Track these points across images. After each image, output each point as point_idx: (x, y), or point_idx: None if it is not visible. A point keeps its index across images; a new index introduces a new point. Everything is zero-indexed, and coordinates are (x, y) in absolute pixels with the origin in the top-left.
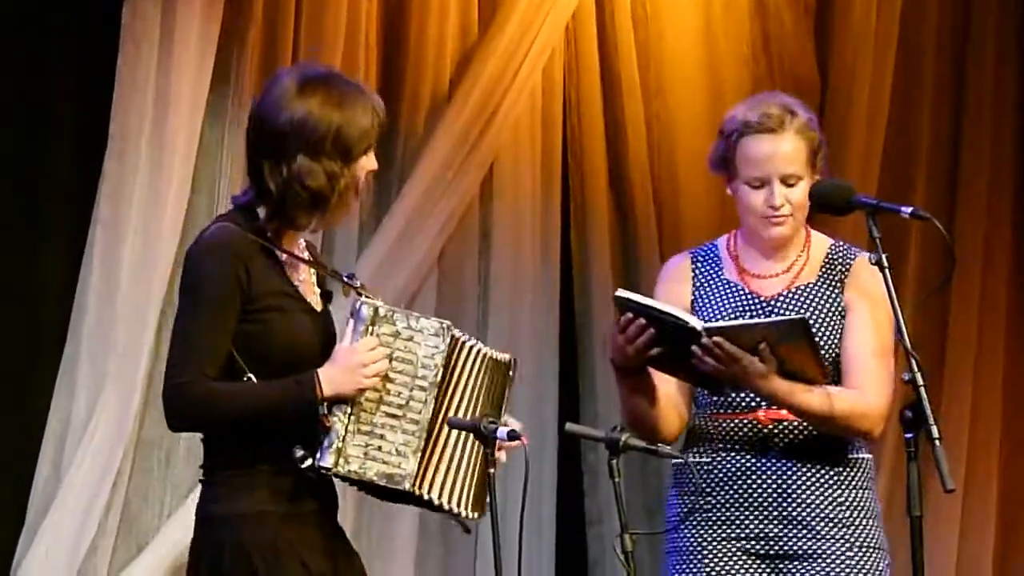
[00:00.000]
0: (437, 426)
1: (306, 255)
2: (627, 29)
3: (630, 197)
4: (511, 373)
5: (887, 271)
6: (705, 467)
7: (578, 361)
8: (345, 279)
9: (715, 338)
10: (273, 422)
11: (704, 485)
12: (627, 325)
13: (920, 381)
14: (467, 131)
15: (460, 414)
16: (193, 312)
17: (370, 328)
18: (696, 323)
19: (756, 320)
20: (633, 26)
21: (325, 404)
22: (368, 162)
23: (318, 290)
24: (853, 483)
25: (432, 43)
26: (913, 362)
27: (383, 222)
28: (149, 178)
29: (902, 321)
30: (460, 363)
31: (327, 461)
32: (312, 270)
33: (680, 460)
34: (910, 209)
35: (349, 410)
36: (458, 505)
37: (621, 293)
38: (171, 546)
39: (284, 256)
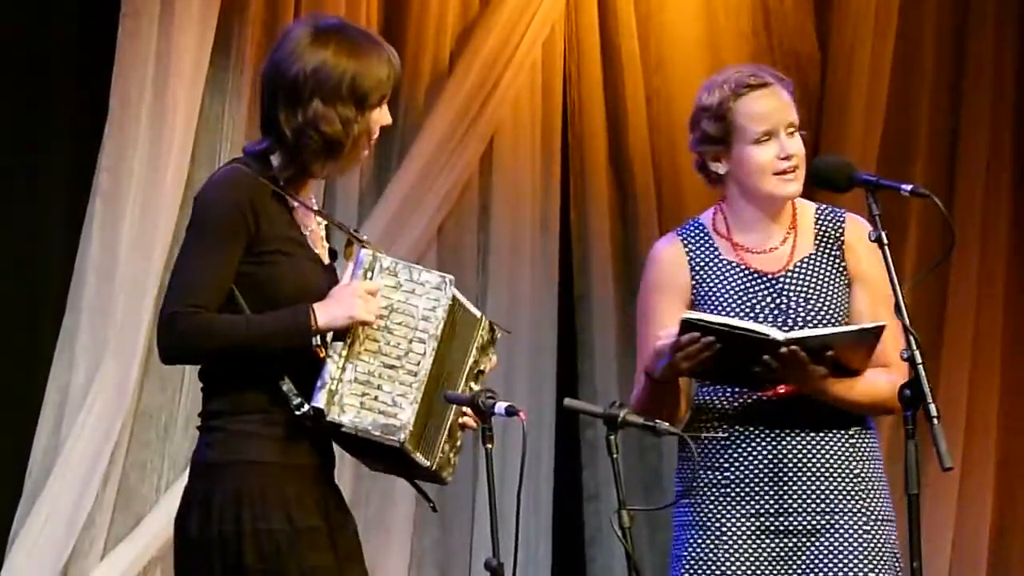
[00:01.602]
0: (433, 381)
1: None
2: (627, 4)
3: (630, 172)
4: (482, 333)
5: (886, 248)
6: (721, 443)
7: (577, 336)
8: (351, 232)
9: (793, 347)
10: (265, 352)
11: (721, 461)
12: (690, 343)
13: (919, 359)
14: (467, 105)
15: (454, 371)
16: (195, 245)
17: (367, 273)
18: (776, 335)
19: (836, 329)
20: (633, 1)
21: (318, 335)
22: (382, 115)
23: (326, 245)
24: (867, 455)
25: (433, 17)
26: (912, 340)
27: (383, 195)
28: (149, 151)
29: (901, 298)
30: (457, 320)
31: (319, 401)
32: (321, 224)
33: (677, 434)
34: (910, 186)
35: (343, 351)
36: (427, 458)
37: (690, 315)
38: (169, 518)
39: (295, 204)
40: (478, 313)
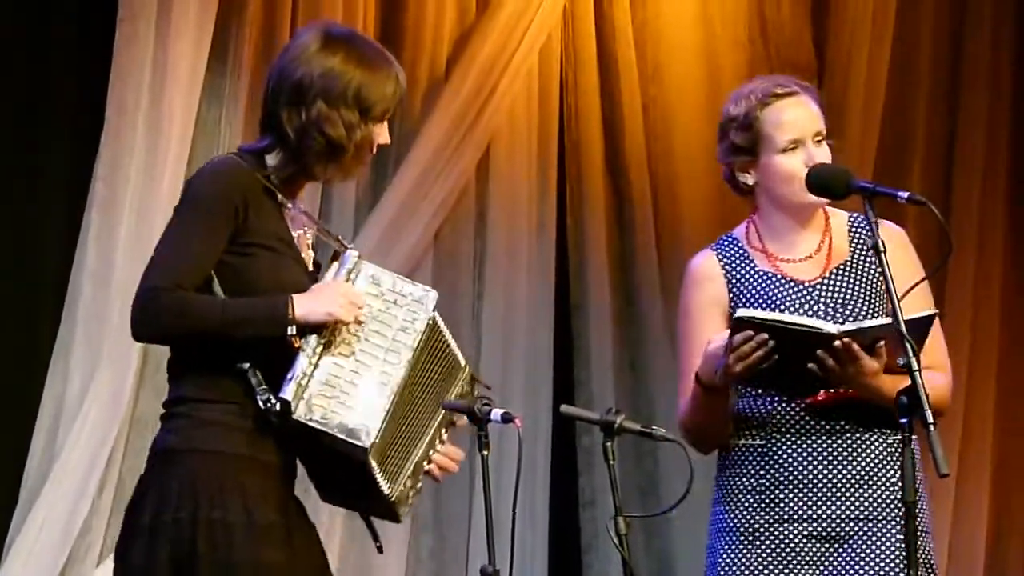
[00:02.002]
0: (405, 396)
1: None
2: (624, 11)
3: (626, 179)
4: (463, 384)
5: (883, 255)
6: (758, 449)
7: (573, 343)
8: (339, 240)
9: (846, 340)
10: (239, 337)
11: (757, 468)
12: (744, 343)
13: (915, 366)
14: (464, 112)
15: (425, 393)
16: (181, 225)
17: (351, 274)
18: (830, 327)
19: (880, 321)
20: (630, 9)
21: (295, 326)
22: (381, 130)
23: (312, 253)
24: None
25: (429, 23)
26: (908, 347)
27: (379, 202)
28: (145, 158)
29: (898, 305)
30: (435, 338)
31: (287, 393)
32: (308, 232)
33: (674, 441)
34: (907, 194)
35: (317, 347)
36: (387, 484)
37: (743, 313)
38: None
39: (286, 204)
40: (462, 361)
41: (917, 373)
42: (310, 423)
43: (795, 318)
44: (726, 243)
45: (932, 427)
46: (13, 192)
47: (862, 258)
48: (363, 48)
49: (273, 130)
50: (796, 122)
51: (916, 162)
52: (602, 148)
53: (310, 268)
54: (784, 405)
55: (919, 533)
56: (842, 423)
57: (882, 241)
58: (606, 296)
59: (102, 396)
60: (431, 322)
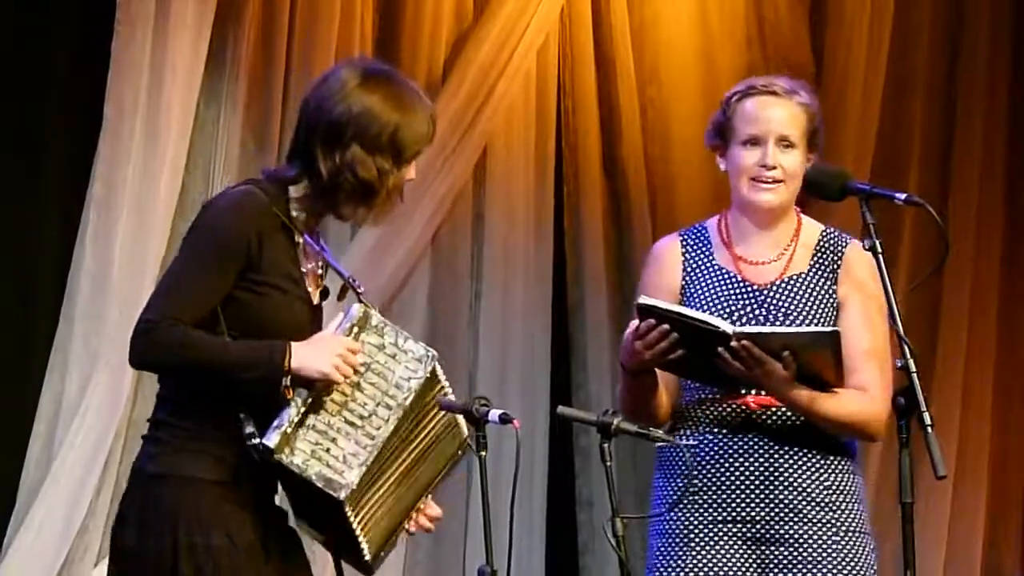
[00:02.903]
0: (390, 453)
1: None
2: (622, 14)
3: (624, 182)
4: (459, 452)
5: (881, 256)
6: (692, 449)
7: (570, 344)
8: (348, 280)
9: (744, 341)
10: (234, 379)
11: (692, 468)
12: (648, 331)
13: (913, 368)
14: (461, 114)
15: (413, 453)
16: (189, 258)
17: (354, 328)
18: (726, 327)
19: (788, 328)
20: (628, 11)
21: (289, 377)
22: (410, 170)
23: (321, 284)
24: (839, 467)
25: (427, 26)
26: (906, 348)
27: None
28: (143, 158)
29: (895, 307)
30: (431, 399)
31: (272, 441)
32: (320, 262)
33: (671, 443)
34: (904, 195)
35: (308, 399)
36: (367, 543)
37: (644, 300)
38: None
39: (300, 240)
40: (465, 431)
41: (915, 375)
42: (291, 467)
43: (694, 313)
44: (694, 232)
45: (930, 428)
46: (11, 191)
47: (819, 275)
48: (400, 89)
49: (304, 163)
50: (760, 120)
51: (913, 163)
52: (600, 150)
53: (316, 301)
54: (717, 407)
55: (855, 533)
56: (773, 425)
57: (842, 252)
58: (603, 298)
59: (100, 397)
60: (428, 378)
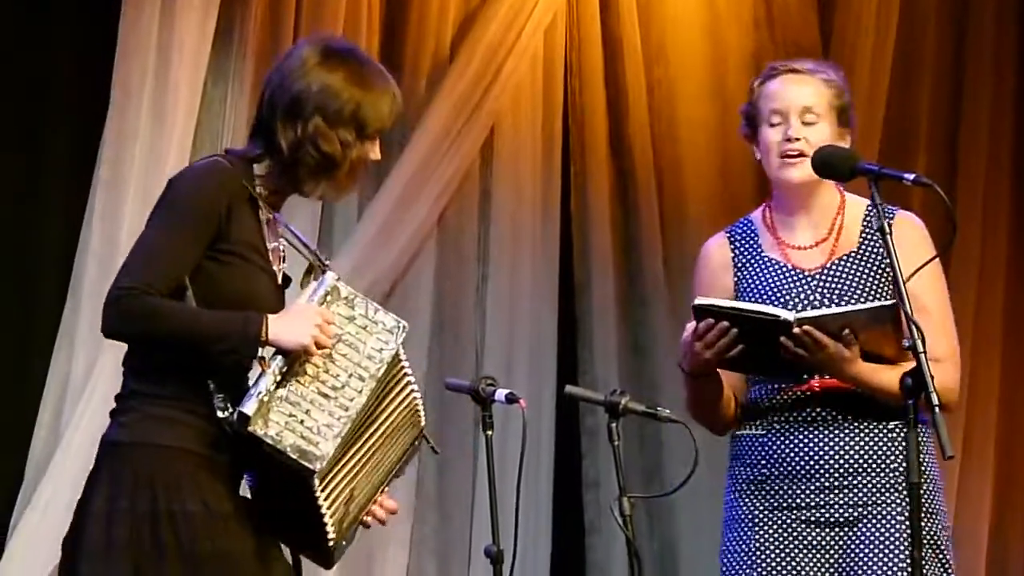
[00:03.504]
0: (358, 427)
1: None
2: None
3: (630, 162)
4: (416, 443)
5: (889, 237)
6: (760, 440)
7: (577, 324)
8: (318, 257)
9: (805, 327)
10: (209, 349)
11: (760, 458)
12: (707, 331)
13: (920, 348)
14: (468, 94)
15: (376, 435)
16: (161, 225)
17: (328, 296)
18: (786, 314)
19: (846, 308)
20: None
21: (264, 347)
22: (374, 147)
23: (284, 267)
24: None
25: (434, 5)
26: (913, 328)
27: (384, 185)
28: (150, 138)
29: (903, 288)
30: (395, 378)
31: (249, 408)
32: (282, 248)
33: (678, 422)
34: (912, 175)
35: (283, 367)
36: (331, 522)
37: (701, 301)
38: None
39: (267, 216)
40: (422, 414)
41: (923, 355)
42: (264, 438)
43: (752, 305)
44: (740, 227)
45: (937, 409)
46: (18, 172)
47: (870, 248)
48: (362, 66)
49: (266, 140)
50: (781, 95)
51: (920, 145)
52: (606, 129)
53: (279, 282)
54: (783, 395)
55: (925, 515)
56: (841, 412)
57: (889, 224)
58: (610, 277)
59: (106, 376)
60: (396, 356)
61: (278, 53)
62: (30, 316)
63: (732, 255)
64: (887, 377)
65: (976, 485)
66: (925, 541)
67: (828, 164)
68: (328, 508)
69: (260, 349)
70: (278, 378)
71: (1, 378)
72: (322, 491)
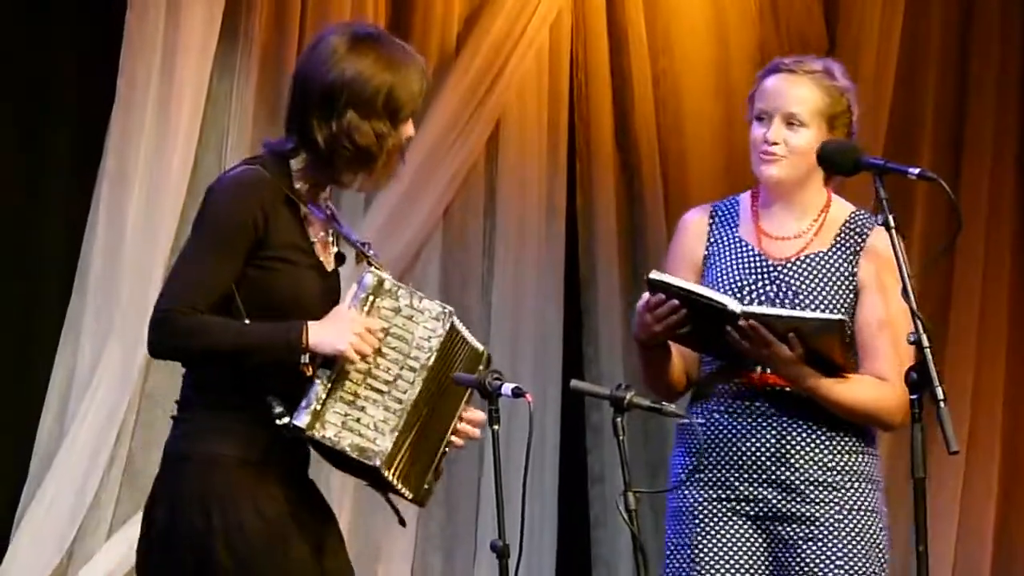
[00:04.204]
0: (419, 411)
1: (328, 213)
2: None
3: (636, 155)
4: (481, 367)
5: (894, 232)
6: (703, 427)
7: (582, 318)
8: (359, 246)
9: (751, 321)
10: (253, 362)
11: (703, 444)
12: (657, 305)
13: (925, 343)
14: (474, 88)
15: (439, 396)
16: (199, 244)
17: (370, 297)
18: (734, 306)
19: (794, 313)
20: None
21: (307, 354)
22: (408, 128)
23: (334, 250)
24: (845, 447)
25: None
26: (919, 324)
27: None
28: (156, 132)
29: (908, 283)
30: (454, 352)
31: (302, 421)
32: (330, 230)
33: (685, 419)
34: (917, 170)
35: (332, 375)
36: (409, 489)
37: (655, 275)
38: None
39: (306, 211)
40: (479, 347)
41: (928, 350)
42: (324, 441)
43: (702, 289)
44: (726, 205)
45: (942, 403)
46: (24, 165)
47: (839, 255)
48: (390, 49)
49: (300, 135)
50: (770, 96)
51: (926, 139)
52: (612, 124)
53: (330, 268)
54: (731, 383)
55: (861, 512)
56: (780, 405)
57: (867, 232)
58: (615, 272)
59: (112, 370)
60: (448, 330)
61: (283, 49)
62: (33, 311)
63: (709, 228)
64: (833, 389)
65: (981, 481)
66: (865, 540)
67: (831, 159)
68: (401, 481)
69: (304, 357)
70: (328, 385)
71: (4, 373)
72: (391, 472)
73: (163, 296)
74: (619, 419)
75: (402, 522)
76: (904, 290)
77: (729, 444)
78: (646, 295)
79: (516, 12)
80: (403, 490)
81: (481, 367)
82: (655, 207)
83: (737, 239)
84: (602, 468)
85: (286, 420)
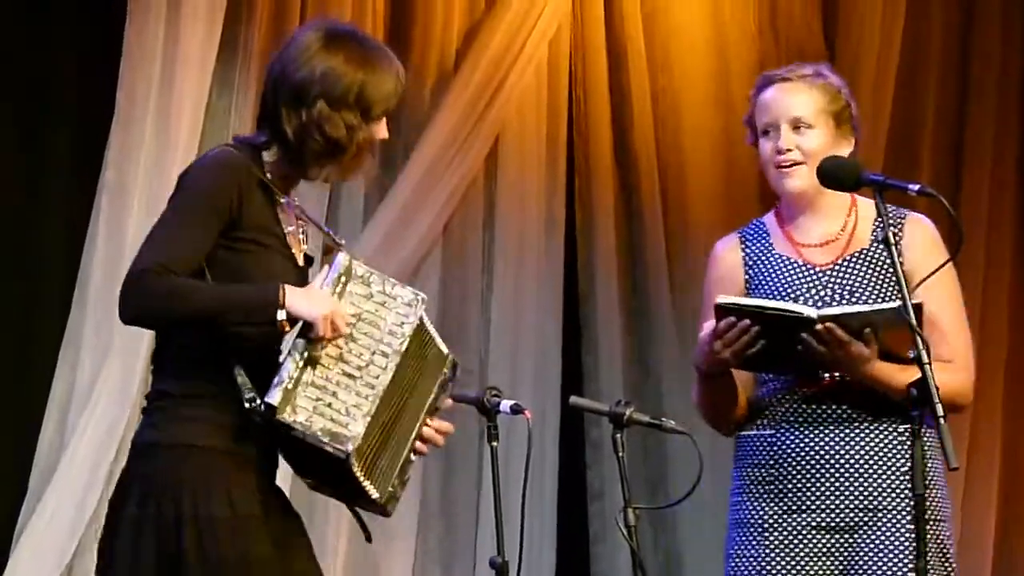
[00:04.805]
0: (390, 400)
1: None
2: (633, 2)
3: (635, 171)
4: (445, 371)
5: (894, 247)
6: (767, 439)
7: (581, 334)
8: (330, 234)
9: (828, 324)
10: (229, 321)
11: (768, 458)
12: (728, 329)
13: (925, 359)
14: (473, 104)
15: (408, 390)
16: (175, 213)
17: (341, 279)
18: (810, 311)
19: (870, 306)
20: (639, 0)
21: (284, 311)
22: (380, 129)
23: (305, 247)
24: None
25: (439, 15)
26: (919, 339)
27: (388, 193)
28: (155, 146)
29: (908, 297)
30: (424, 343)
31: (274, 398)
32: (301, 228)
33: (683, 433)
34: (917, 186)
35: (305, 352)
36: (376, 490)
37: (723, 300)
38: None
39: (280, 199)
40: (445, 349)
41: (927, 366)
42: (294, 425)
43: (775, 303)
44: (752, 227)
45: (942, 420)
46: (23, 177)
47: (882, 249)
48: (364, 47)
49: (272, 127)
50: (771, 106)
51: (926, 154)
52: (611, 140)
53: (300, 263)
54: (792, 393)
55: (931, 521)
56: (850, 411)
57: (900, 226)
58: (614, 287)
59: (112, 384)
60: (419, 325)
61: None
62: (34, 312)
63: (743, 254)
64: (905, 378)
65: (982, 490)
66: (931, 547)
67: (833, 176)
68: (367, 478)
69: (281, 314)
70: (300, 364)
71: (4, 386)
72: (359, 466)
73: (137, 259)
74: (619, 435)
75: (368, 538)
76: (904, 306)
77: (794, 456)
78: (710, 323)
79: (515, 28)
80: (369, 488)
81: (446, 370)
82: (654, 223)
83: (776, 256)
84: (602, 484)
85: (257, 403)
